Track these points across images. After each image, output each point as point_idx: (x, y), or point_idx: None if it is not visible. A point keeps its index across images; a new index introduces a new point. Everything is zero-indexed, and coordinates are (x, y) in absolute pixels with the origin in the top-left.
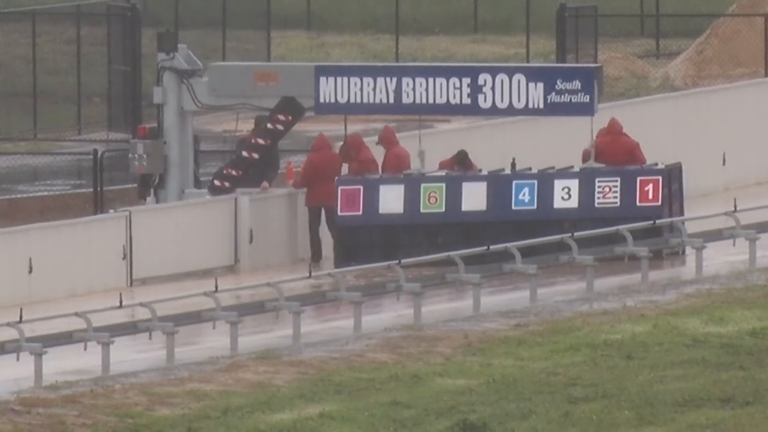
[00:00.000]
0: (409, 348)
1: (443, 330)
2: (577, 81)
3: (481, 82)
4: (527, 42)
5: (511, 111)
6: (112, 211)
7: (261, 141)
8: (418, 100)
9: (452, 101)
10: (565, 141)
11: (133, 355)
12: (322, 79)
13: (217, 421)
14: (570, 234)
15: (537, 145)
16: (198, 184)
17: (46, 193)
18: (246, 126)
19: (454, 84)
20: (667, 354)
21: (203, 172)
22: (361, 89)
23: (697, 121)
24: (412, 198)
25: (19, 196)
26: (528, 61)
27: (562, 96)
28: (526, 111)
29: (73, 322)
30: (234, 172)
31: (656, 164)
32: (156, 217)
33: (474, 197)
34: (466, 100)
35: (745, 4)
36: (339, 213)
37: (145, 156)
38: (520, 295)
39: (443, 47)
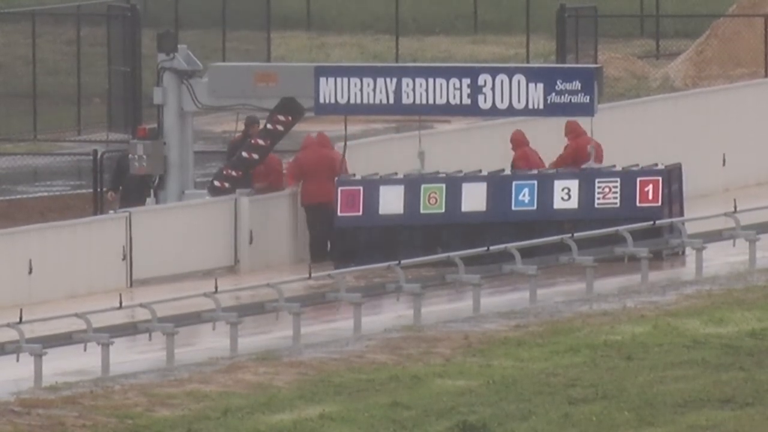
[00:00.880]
0: (409, 349)
1: (443, 331)
2: (577, 81)
3: (481, 82)
4: (527, 42)
5: (511, 111)
6: (112, 211)
7: (261, 142)
8: (418, 101)
9: (452, 102)
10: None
11: (132, 356)
12: (322, 80)
13: (217, 422)
14: (570, 235)
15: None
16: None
17: (46, 194)
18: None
19: (454, 84)
20: (667, 355)
21: (203, 173)
22: (361, 90)
23: (697, 122)
24: (412, 199)
25: (19, 196)
26: (528, 62)
27: (562, 96)
28: (526, 111)
29: (73, 323)
30: (234, 173)
31: (656, 165)
32: (156, 217)
33: (474, 198)
34: (466, 101)
35: (745, 4)
36: (339, 213)
37: (145, 157)
38: (519, 296)
39: (443, 48)
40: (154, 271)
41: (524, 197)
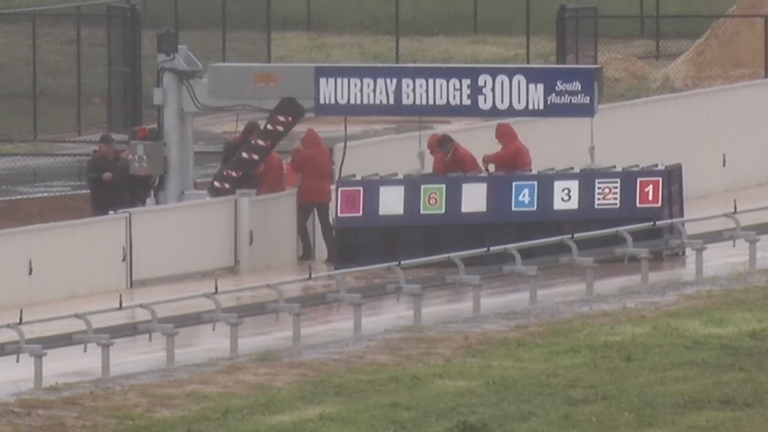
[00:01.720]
0: (409, 349)
1: (443, 331)
2: (577, 82)
3: (481, 83)
4: (527, 43)
5: (511, 112)
6: (111, 212)
7: (261, 142)
8: (418, 101)
9: (452, 102)
10: (565, 142)
11: (133, 357)
12: (322, 80)
13: (217, 422)
14: (570, 235)
15: (537, 146)
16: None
17: (46, 195)
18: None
19: (454, 85)
20: (667, 355)
21: (203, 174)
22: (361, 90)
23: (697, 123)
24: (412, 199)
25: (19, 197)
26: (528, 62)
27: (562, 97)
28: (526, 112)
29: (73, 324)
30: (234, 174)
31: (656, 165)
32: (156, 218)
33: (474, 198)
34: (466, 101)
35: (745, 4)
36: (339, 214)
37: (145, 157)
38: (520, 297)
39: (443, 48)
40: (154, 272)
41: (524, 198)
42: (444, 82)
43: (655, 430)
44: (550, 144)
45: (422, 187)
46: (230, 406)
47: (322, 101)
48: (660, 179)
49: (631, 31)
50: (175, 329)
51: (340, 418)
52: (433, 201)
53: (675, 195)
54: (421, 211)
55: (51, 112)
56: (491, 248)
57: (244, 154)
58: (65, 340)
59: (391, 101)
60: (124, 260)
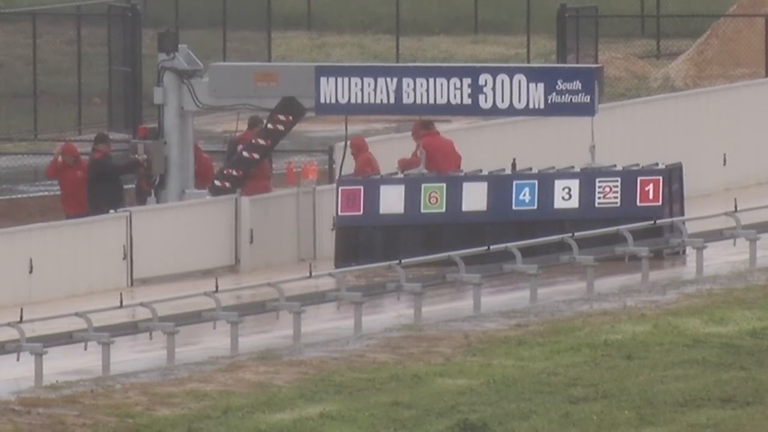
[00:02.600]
0: (410, 348)
1: (444, 330)
2: (578, 81)
3: (481, 82)
4: (528, 42)
5: (511, 111)
6: (112, 211)
7: (261, 141)
8: (418, 101)
9: (453, 101)
10: (565, 141)
11: (133, 355)
12: (323, 80)
13: (218, 421)
14: (570, 234)
15: (537, 146)
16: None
17: (46, 194)
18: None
19: (454, 84)
20: (667, 354)
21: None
22: (362, 89)
23: (698, 122)
24: (412, 198)
25: (19, 196)
26: (528, 62)
27: (563, 96)
28: (527, 111)
29: (73, 322)
30: (234, 173)
31: (657, 164)
32: (156, 217)
33: (474, 197)
34: (467, 101)
35: (745, 4)
36: (339, 213)
37: (145, 156)
38: (520, 296)
39: (444, 48)
40: (155, 271)
41: (525, 197)
42: (444, 81)
43: (656, 428)
44: (551, 143)
45: (423, 185)
46: (230, 404)
47: (322, 100)
48: (660, 178)
49: (631, 30)
50: (176, 328)
51: (341, 416)
52: (433, 200)
53: (675, 194)
54: (422, 210)
55: (51, 112)
56: (492, 247)
57: (245, 153)
58: (66, 338)
59: (392, 100)
60: (124, 259)
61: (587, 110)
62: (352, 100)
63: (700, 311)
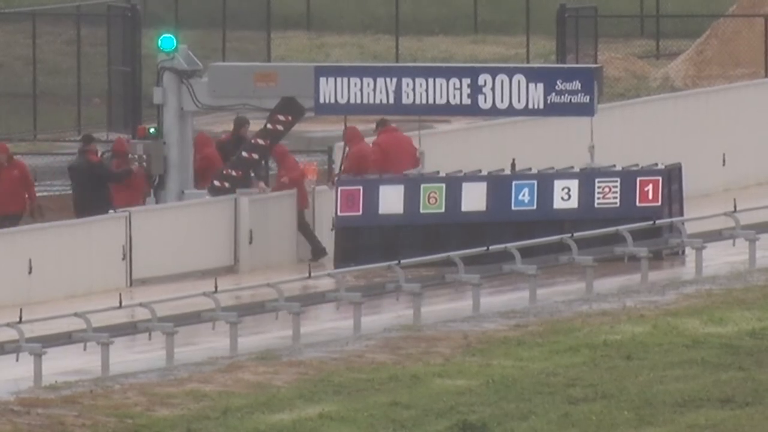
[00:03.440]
0: (409, 348)
1: (443, 330)
2: (577, 81)
3: (481, 82)
4: (527, 42)
5: (511, 111)
6: (111, 211)
7: (261, 141)
8: (418, 101)
9: (452, 102)
10: (564, 141)
11: (132, 356)
12: (322, 80)
13: (217, 421)
14: (570, 234)
15: (537, 146)
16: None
17: (45, 194)
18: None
19: (454, 84)
20: (666, 354)
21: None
22: (361, 90)
23: (697, 122)
24: (411, 198)
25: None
26: (528, 62)
27: (562, 96)
28: (526, 111)
29: (72, 323)
30: (234, 173)
31: (656, 165)
32: (156, 217)
33: (474, 198)
34: (466, 101)
35: (745, 4)
36: (339, 213)
37: (145, 157)
38: (519, 296)
39: (443, 48)
40: (154, 271)
41: (524, 197)
42: (444, 81)
43: (655, 428)
44: (550, 143)
45: (422, 186)
46: (230, 404)
47: (322, 100)
48: (660, 178)
49: (631, 30)
50: (175, 328)
51: (340, 416)
52: (432, 200)
53: (675, 194)
54: (421, 210)
55: (51, 112)
56: (491, 247)
57: (245, 154)
58: (65, 338)
59: (391, 101)
60: (123, 259)
61: (586, 110)
62: (352, 101)
63: (700, 312)
